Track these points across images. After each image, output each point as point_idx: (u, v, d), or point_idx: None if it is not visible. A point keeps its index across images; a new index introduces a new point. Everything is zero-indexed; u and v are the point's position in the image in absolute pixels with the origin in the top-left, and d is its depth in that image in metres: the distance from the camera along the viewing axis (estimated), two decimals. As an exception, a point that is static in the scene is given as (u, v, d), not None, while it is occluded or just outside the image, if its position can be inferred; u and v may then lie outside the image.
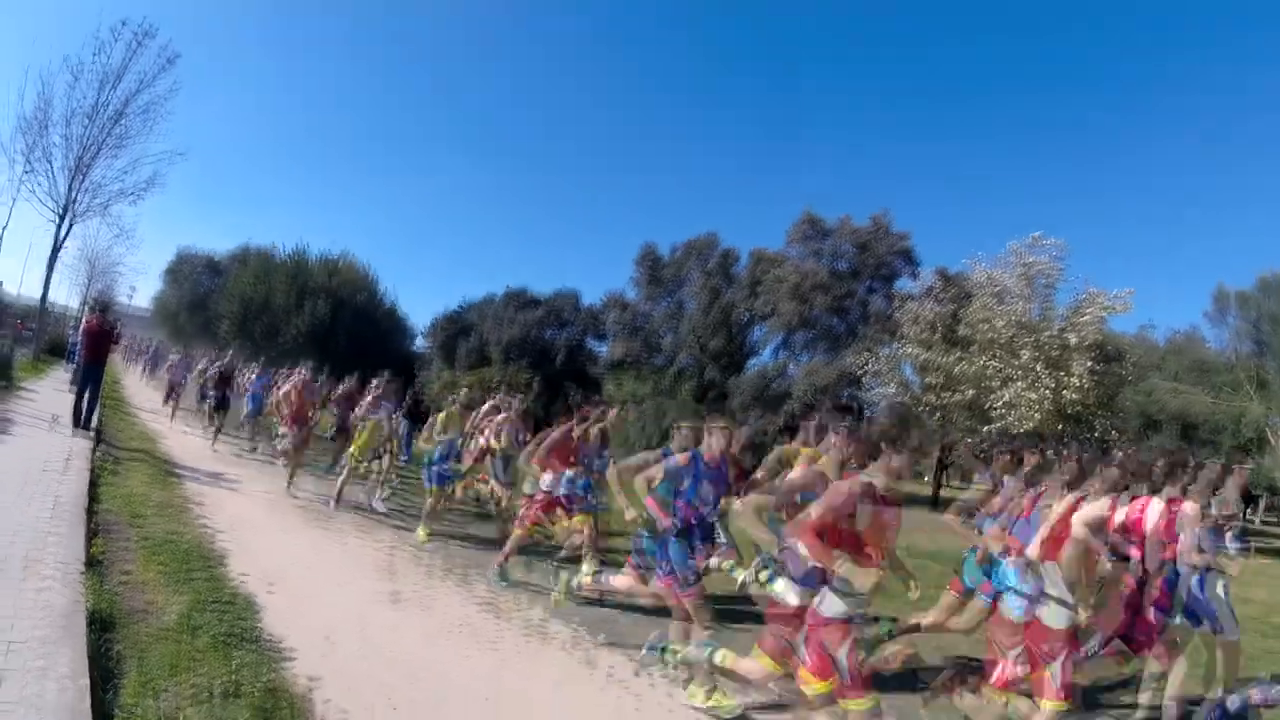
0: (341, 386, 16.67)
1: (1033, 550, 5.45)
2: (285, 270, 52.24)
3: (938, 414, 32.77)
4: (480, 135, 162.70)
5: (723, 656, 5.55)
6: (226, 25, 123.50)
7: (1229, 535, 6.96)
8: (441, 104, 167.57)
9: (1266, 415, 34.87)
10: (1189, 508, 6.35)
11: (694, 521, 6.50)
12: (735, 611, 7.57)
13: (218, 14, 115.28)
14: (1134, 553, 6.49)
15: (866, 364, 34.87)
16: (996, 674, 5.59)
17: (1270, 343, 36.07)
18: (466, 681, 5.66)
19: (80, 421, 13.94)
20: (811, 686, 4.70)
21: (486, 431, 12.55)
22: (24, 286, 66.12)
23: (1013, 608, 5.65)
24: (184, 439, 17.75)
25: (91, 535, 7.16)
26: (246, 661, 5.02)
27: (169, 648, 5.01)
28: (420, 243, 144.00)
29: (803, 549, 4.81)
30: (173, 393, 22.27)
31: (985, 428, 30.32)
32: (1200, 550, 6.25)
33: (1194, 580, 6.53)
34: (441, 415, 11.87)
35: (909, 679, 6.73)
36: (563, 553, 10.42)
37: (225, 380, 18.99)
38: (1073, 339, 29.09)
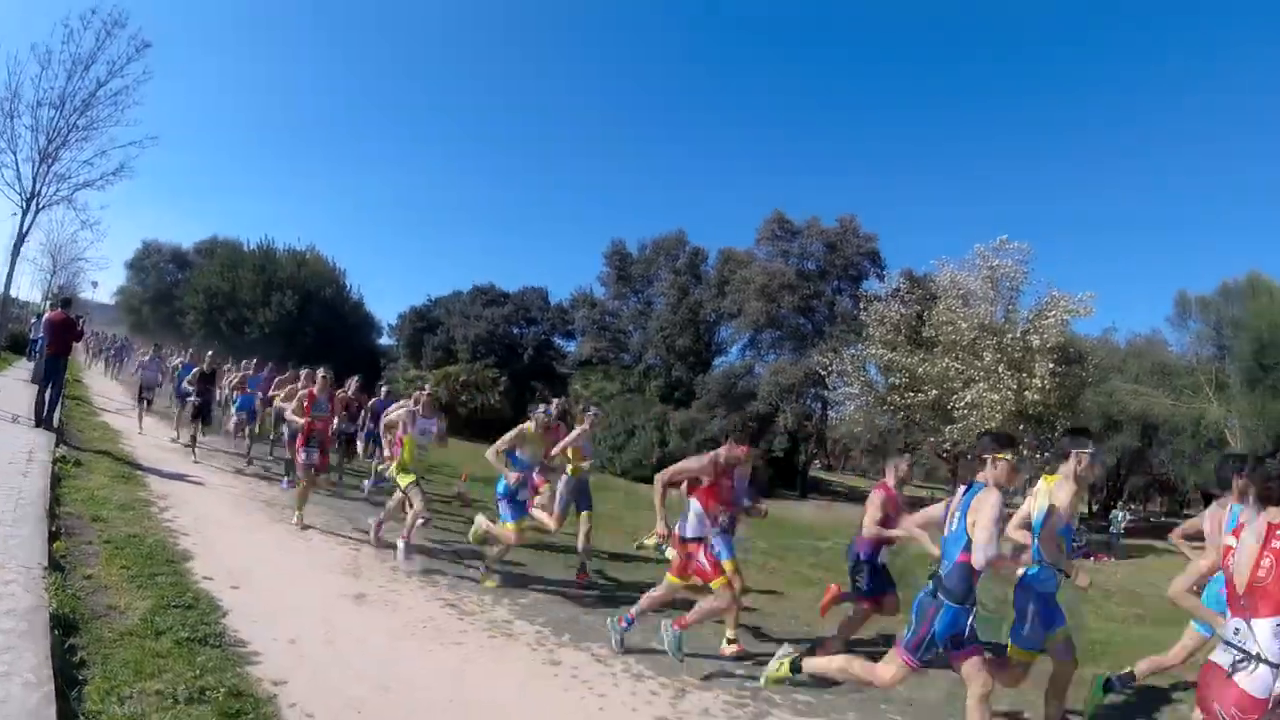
0: (341, 392, 15.53)
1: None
2: (252, 263, 51.73)
3: (901, 414, 33.11)
4: (449, 130, 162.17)
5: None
6: (194, 12, 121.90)
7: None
8: (410, 98, 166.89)
9: (1226, 417, 35.50)
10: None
11: None
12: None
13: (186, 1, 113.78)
14: None
15: (832, 364, 35.10)
16: None
17: (1231, 347, 36.84)
18: (431, 681, 5.68)
19: (42, 419, 13.77)
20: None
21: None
22: (-17, 279, 65.11)
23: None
24: (149, 439, 17.14)
25: (53, 536, 7.12)
26: (211, 664, 5.00)
27: (133, 650, 4.98)
28: (387, 237, 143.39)
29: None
30: (144, 396, 19.76)
31: (948, 428, 30.64)
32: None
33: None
34: (516, 432, 9.50)
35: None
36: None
37: (208, 382, 17.32)
38: (1035, 341, 29.53)
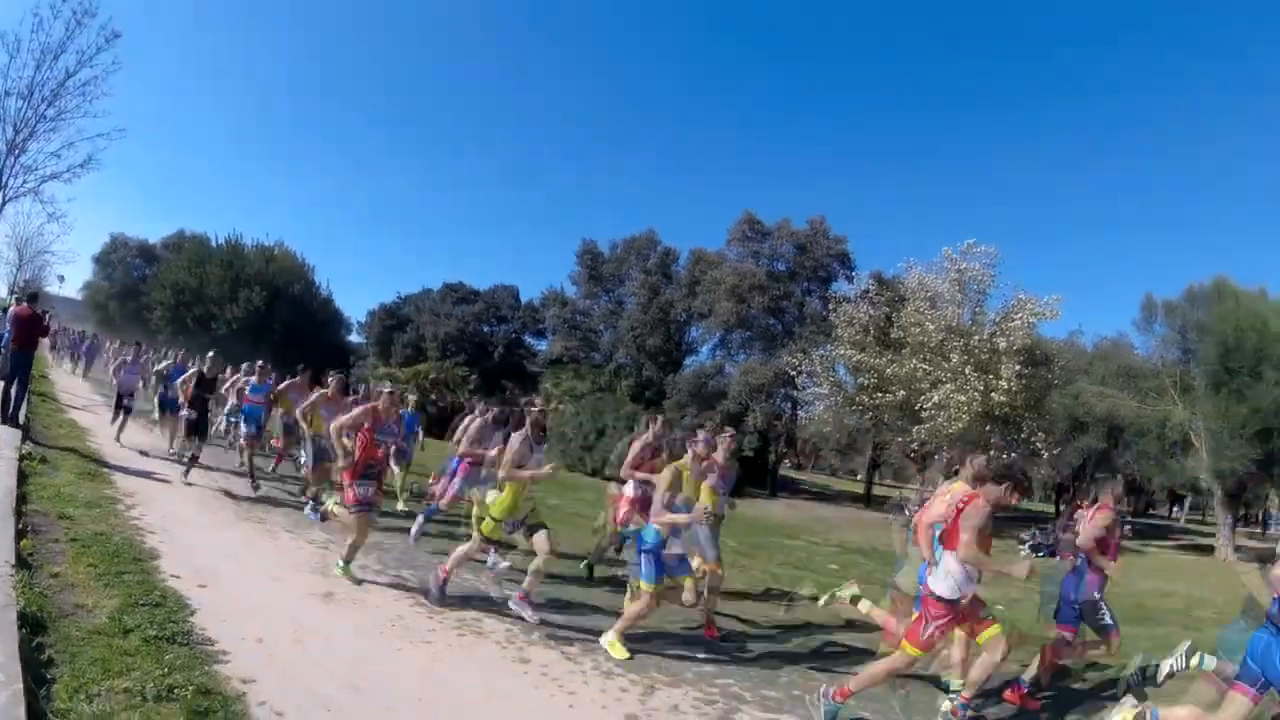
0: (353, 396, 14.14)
1: None
2: (220, 258, 51.33)
3: (870, 414, 33.35)
4: (419, 127, 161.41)
5: None
6: (164, 3, 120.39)
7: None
8: (382, 95, 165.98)
9: (1190, 419, 35.92)
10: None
11: None
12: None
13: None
14: None
15: (801, 364, 35.30)
16: None
17: (1196, 350, 37.32)
18: (400, 679, 5.70)
19: (7, 415, 13.63)
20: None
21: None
22: (-53, 275, 64.08)
23: None
24: (112, 432, 16.27)
25: (20, 534, 7.07)
26: (179, 662, 5.00)
27: (101, 648, 4.97)
28: (357, 234, 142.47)
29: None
30: (123, 403, 16.47)
31: (915, 428, 30.89)
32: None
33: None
34: (670, 476, 7.55)
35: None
36: None
37: (206, 390, 14.32)
38: (1002, 343, 29.85)
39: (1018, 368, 29.87)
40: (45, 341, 25.46)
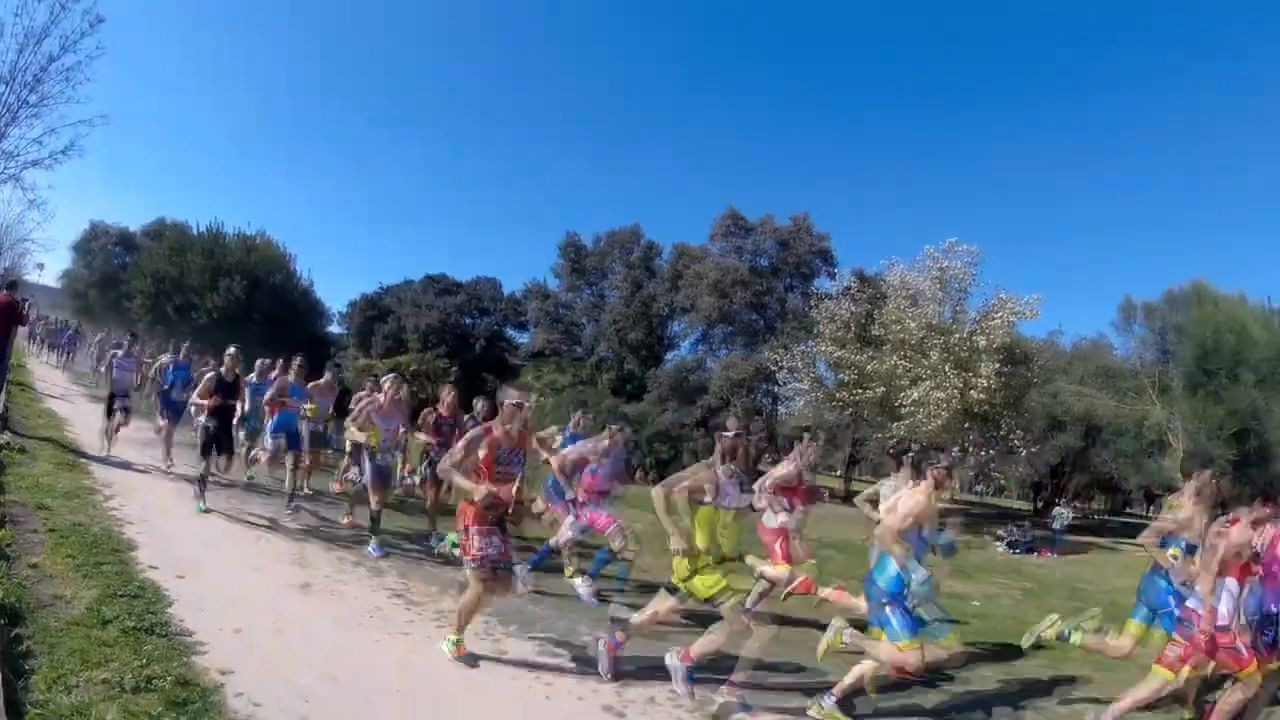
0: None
1: None
2: (200, 247, 50.80)
3: (849, 410, 33.48)
4: (403, 117, 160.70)
5: None
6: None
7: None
8: (366, 85, 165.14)
9: (1168, 419, 36.14)
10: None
11: None
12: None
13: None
14: None
15: (782, 360, 35.37)
16: None
17: (1174, 352, 37.65)
18: (378, 671, 5.74)
19: (-16, 406, 13.50)
20: None
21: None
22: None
23: None
24: (90, 422, 15.65)
25: (-2, 524, 7.07)
26: (157, 653, 5.02)
27: (79, 639, 4.99)
28: (339, 224, 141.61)
29: None
30: (117, 404, 13.90)
31: (894, 424, 31.03)
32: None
33: None
34: (924, 500, 6.37)
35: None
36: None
37: (228, 395, 11.40)
38: (982, 341, 29.93)
39: (997, 366, 29.99)
40: (24, 331, 25.19)
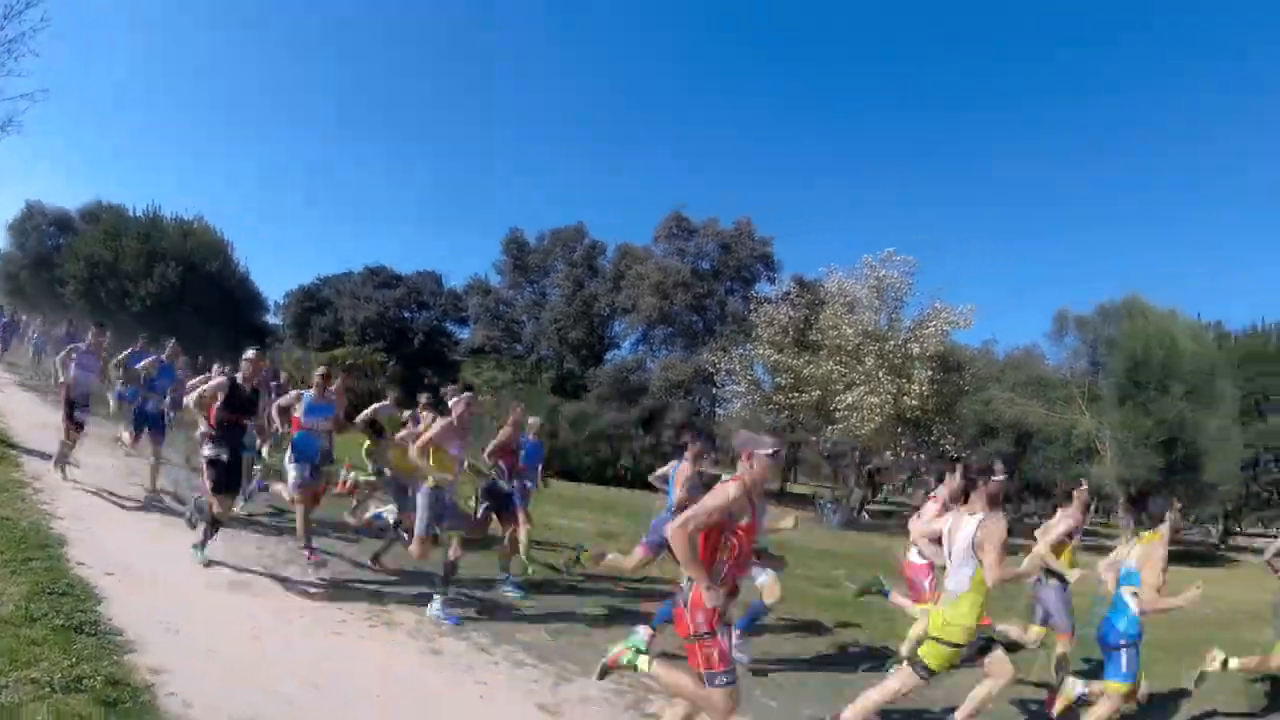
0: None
1: None
2: (137, 231, 49.66)
3: (786, 413, 33.83)
4: (347, 106, 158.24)
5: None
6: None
7: None
8: (308, 72, 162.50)
9: (1097, 429, 37.10)
10: None
11: None
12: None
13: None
14: None
15: (721, 362, 35.66)
16: None
17: (1105, 364, 39.05)
18: (309, 669, 5.70)
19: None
20: None
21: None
22: None
23: None
24: (20, 410, 15.04)
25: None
26: (88, 652, 4.94)
27: (7, 638, 4.91)
28: (278, 211, 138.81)
29: None
30: (77, 413, 11.06)
31: (829, 428, 31.49)
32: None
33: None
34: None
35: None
36: None
37: (244, 411, 8.64)
38: (916, 349, 30.64)
39: (930, 373, 30.73)
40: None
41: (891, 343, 31.24)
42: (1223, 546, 43.24)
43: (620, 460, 38.63)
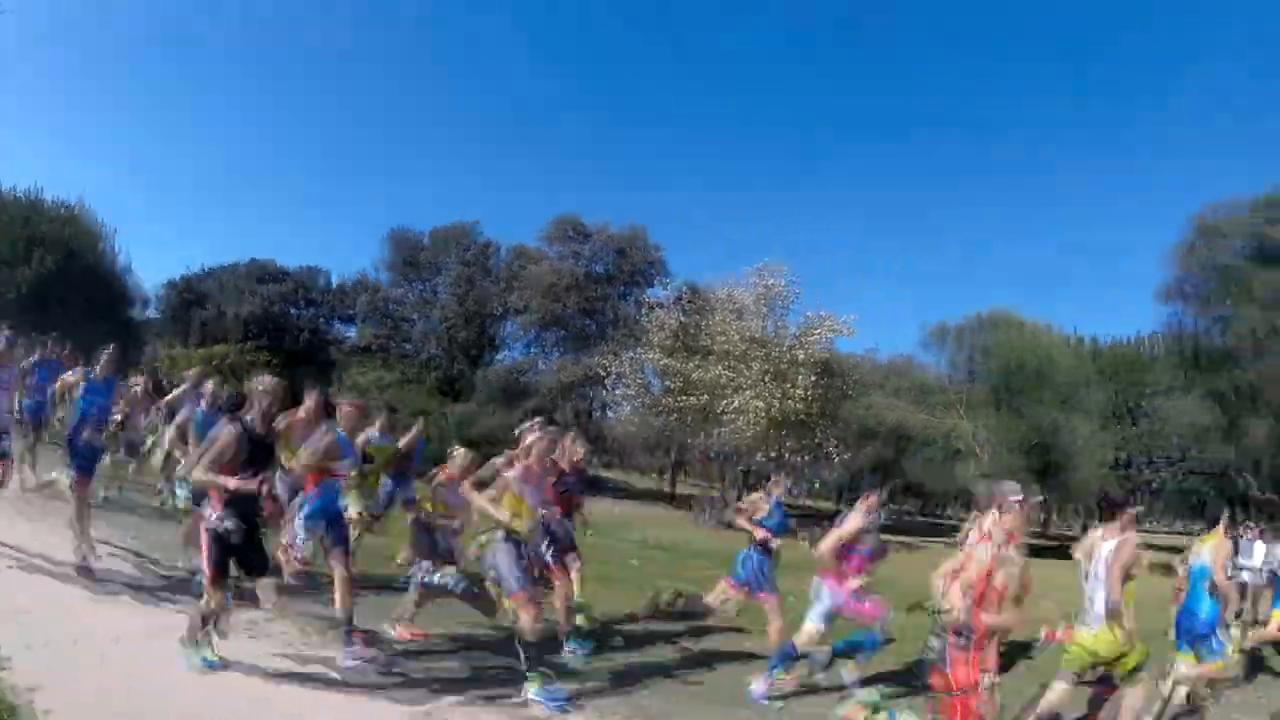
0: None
1: None
2: (14, 213, 46.74)
3: (674, 416, 34.36)
4: (235, 85, 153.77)
5: None
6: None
7: None
8: (201, 48, 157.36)
9: (973, 431, 39.16)
10: None
11: None
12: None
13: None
14: None
15: (611, 366, 35.91)
16: None
17: (979, 371, 42.13)
18: (181, 684, 5.61)
19: None
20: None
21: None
22: None
23: None
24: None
25: None
26: None
27: None
28: (154, 196, 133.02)
29: None
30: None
31: (716, 430, 32.18)
32: None
33: None
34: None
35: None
36: None
37: (259, 461, 6.14)
38: (800, 355, 31.52)
39: (813, 378, 31.65)
40: None
41: (776, 349, 32.09)
42: (1091, 540, 46.48)
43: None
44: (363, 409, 8.27)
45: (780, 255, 34.11)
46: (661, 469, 52.14)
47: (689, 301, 37.03)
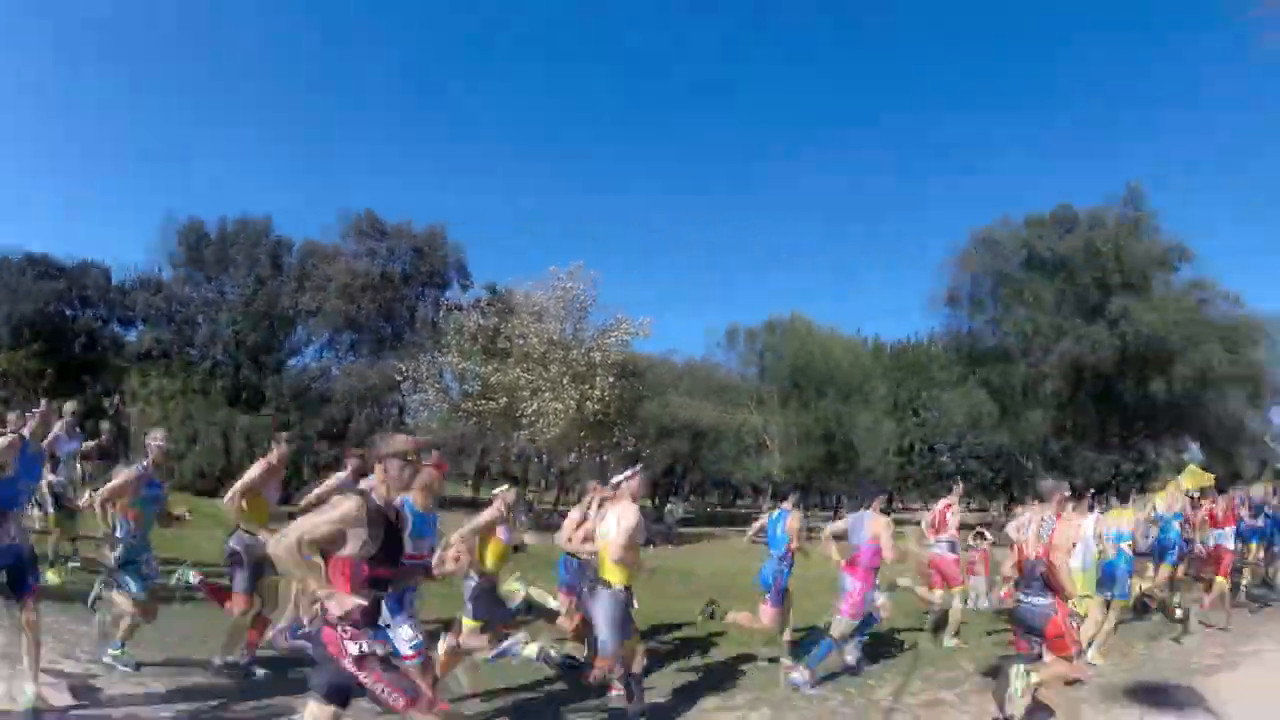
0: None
1: None
2: None
3: (474, 420, 34.38)
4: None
5: None
6: None
7: None
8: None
9: (764, 425, 41.72)
10: None
11: None
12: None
13: None
14: None
15: (409, 370, 35.49)
16: None
17: (770, 369, 46.58)
18: None
19: None
20: None
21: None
22: None
23: None
24: None
25: None
26: None
27: None
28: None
29: None
30: None
31: (516, 434, 32.50)
32: None
33: None
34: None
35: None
36: None
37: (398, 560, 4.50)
38: (598, 357, 32.18)
39: (612, 379, 32.28)
40: None
41: (575, 351, 32.61)
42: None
43: (301, 475, 36.71)
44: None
45: (583, 259, 34.55)
46: (464, 474, 51.99)
47: (489, 304, 37.16)
